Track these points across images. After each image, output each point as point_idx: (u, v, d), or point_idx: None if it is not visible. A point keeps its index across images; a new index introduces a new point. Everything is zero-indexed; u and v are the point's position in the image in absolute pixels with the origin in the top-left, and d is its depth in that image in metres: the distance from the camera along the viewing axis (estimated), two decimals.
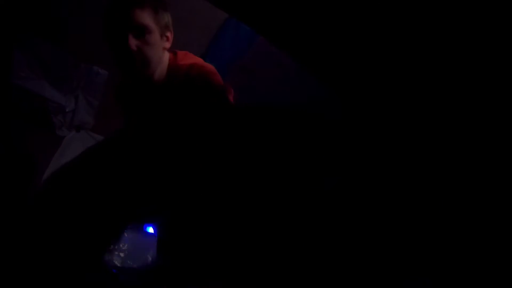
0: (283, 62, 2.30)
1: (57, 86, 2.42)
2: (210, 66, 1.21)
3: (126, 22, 1.03)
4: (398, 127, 1.46)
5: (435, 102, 1.32)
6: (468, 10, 0.92)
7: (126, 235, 2.62)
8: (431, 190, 1.44)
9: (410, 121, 1.41)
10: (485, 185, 1.22)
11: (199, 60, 1.22)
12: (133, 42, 1.03)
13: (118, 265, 2.48)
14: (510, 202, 1.14)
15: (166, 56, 1.20)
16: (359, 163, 1.70)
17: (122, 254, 2.54)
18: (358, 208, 1.72)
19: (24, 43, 2.25)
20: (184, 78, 1.15)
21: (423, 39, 1.10)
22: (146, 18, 1.05)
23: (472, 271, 1.26)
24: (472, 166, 1.29)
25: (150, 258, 2.64)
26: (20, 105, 2.34)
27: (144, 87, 1.23)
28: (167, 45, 1.19)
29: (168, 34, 1.18)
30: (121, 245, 2.57)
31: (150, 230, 2.44)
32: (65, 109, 2.47)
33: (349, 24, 1.12)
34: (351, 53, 1.25)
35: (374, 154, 1.64)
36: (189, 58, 1.23)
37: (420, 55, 1.18)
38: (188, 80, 1.15)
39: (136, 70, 1.09)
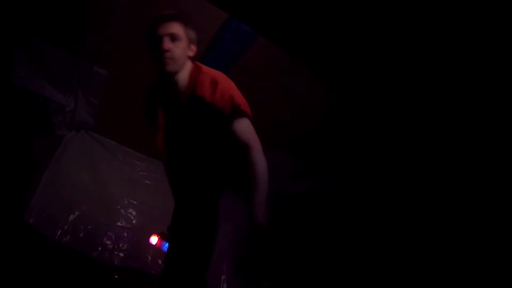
0: (283, 62, 2.31)
1: (57, 86, 2.42)
2: (232, 86, 1.48)
3: (164, 30, 1.45)
4: (398, 128, 1.46)
5: (435, 103, 1.31)
6: (467, 11, 0.92)
7: (125, 235, 2.61)
8: (430, 190, 1.43)
9: (410, 122, 1.41)
10: (484, 185, 1.22)
11: (221, 75, 1.50)
12: (166, 43, 1.42)
13: (117, 264, 2.48)
14: (510, 202, 1.14)
15: (189, 64, 1.52)
16: (360, 165, 1.69)
17: (121, 254, 2.52)
18: (360, 210, 1.71)
19: (24, 43, 2.25)
20: (209, 92, 1.44)
21: (422, 40, 1.10)
22: (178, 28, 1.46)
23: (472, 271, 1.26)
24: (471, 167, 1.28)
25: (150, 258, 2.62)
26: (20, 105, 2.34)
27: (170, 96, 1.52)
28: (191, 53, 1.52)
29: (193, 46, 1.52)
30: (120, 245, 2.55)
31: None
32: (65, 108, 2.48)
33: (349, 24, 1.12)
34: (350, 52, 1.25)
35: (374, 155, 1.63)
36: (211, 69, 1.52)
37: (420, 56, 1.17)
38: (213, 101, 1.42)
39: (165, 64, 1.43)
